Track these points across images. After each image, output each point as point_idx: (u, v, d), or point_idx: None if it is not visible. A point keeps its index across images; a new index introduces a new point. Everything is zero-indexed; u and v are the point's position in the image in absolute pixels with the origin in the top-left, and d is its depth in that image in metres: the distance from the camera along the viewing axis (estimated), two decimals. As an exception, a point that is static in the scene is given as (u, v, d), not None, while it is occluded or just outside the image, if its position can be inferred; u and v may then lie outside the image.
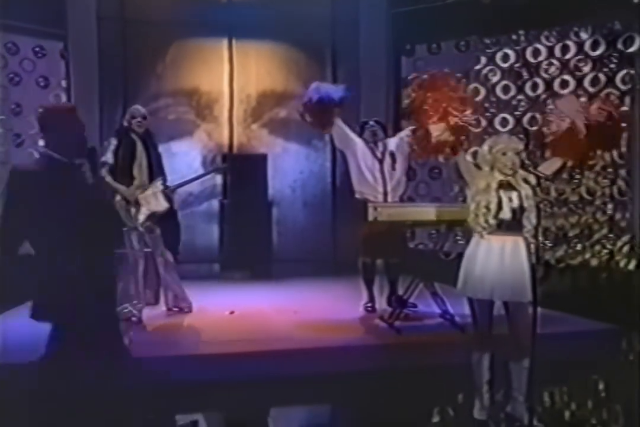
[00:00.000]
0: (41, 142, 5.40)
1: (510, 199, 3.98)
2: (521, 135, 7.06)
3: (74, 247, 3.21)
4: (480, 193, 4.00)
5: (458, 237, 6.66)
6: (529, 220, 3.99)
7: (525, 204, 3.98)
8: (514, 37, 7.51)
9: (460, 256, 4.21)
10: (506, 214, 3.97)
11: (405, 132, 6.32)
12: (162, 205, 5.84)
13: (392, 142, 6.24)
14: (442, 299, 5.72)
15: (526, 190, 4.00)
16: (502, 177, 4.00)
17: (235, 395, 4.59)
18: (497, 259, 3.97)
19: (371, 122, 6.31)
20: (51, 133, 3.44)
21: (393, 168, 6.15)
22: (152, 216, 5.86)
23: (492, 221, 3.97)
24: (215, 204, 8.61)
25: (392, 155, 6.16)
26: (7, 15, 7.02)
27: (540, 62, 7.33)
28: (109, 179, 5.77)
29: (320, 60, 8.63)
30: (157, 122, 8.07)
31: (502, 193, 3.98)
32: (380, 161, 6.15)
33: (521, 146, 4.08)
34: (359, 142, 6.17)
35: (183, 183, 6.47)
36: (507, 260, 3.97)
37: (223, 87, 8.57)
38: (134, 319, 5.89)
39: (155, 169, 5.97)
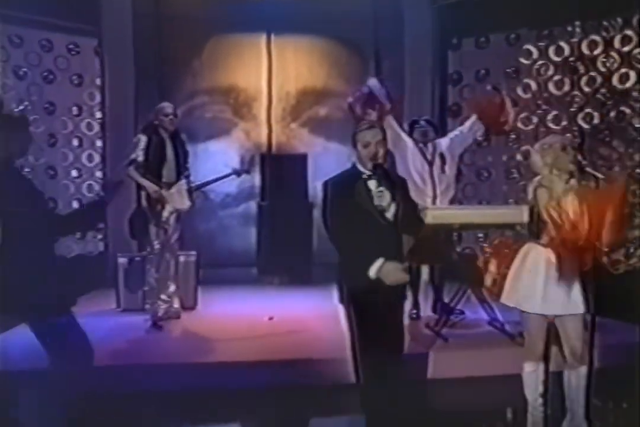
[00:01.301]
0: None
1: None
2: (575, 133, 6.71)
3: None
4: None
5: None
6: None
7: None
8: (569, 28, 7.08)
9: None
10: None
11: (455, 133, 6.16)
12: (185, 203, 5.90)
13: (443, 143, 5.98)
14: (491, 306, 5.51)
15: None
16: (562, 183, 3.78)
17: (277, 402, 4.55)
18: (544, 271, 3.79)
19: (422, 122, 6.04)
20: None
21: (443, 170, 5.90)
22: (174, 214, 5.88)
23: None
24: (252, 206, 8.45)
25: (442, 156, 5.91)
26: (40, 12, 6.98)
27: (598, 55, 6.89)
28: (135, 174, 5.72)
29: (362, 56, 8.37)
30: (194, 121, 8.08)
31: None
32: (430, 163, 5.89)
33: (569, 138, 4.05)
34: (409, 142, 5.93)
35: (205, 183, 6.41)
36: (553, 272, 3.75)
37: (261, 84, 8.38)
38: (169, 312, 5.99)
39: (182, 168, 5.93)
